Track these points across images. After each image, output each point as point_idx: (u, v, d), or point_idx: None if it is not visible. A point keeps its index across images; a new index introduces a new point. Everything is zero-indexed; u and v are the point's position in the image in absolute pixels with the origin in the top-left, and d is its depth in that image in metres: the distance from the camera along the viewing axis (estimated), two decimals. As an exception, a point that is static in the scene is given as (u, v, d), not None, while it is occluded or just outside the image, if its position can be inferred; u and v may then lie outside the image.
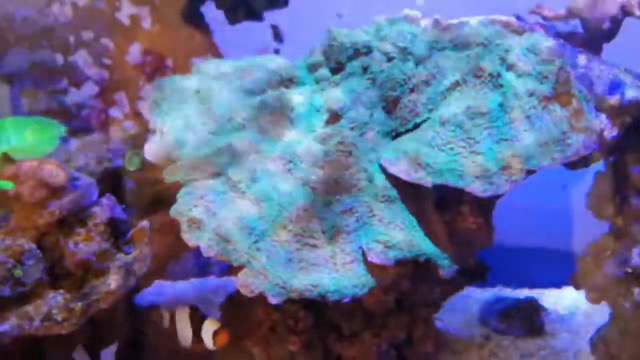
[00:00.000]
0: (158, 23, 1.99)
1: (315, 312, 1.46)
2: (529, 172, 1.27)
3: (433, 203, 1.39)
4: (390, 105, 1.40)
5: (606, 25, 1.52)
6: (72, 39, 1.95)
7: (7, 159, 1.32)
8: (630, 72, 1.51)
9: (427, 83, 1.38)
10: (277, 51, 2.15)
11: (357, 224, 1.28)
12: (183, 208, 1.31)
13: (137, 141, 1.72)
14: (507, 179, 1.24)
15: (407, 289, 1.45)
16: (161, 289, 1.91)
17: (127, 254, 1.39)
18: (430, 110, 1.36)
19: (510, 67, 1.33)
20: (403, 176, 1.29)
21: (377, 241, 1.26)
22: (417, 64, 1.43)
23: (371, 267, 1.26)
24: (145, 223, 1.45)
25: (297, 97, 1.48)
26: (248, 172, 1.34)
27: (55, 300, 1.25)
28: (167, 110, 1.50)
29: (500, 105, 1.30)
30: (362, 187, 1.30)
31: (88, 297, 1.29)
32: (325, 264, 1.24)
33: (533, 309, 1.91)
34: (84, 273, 1.32)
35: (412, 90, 1.39)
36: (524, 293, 2.13)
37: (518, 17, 1.50)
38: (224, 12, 2.10)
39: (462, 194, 1.35)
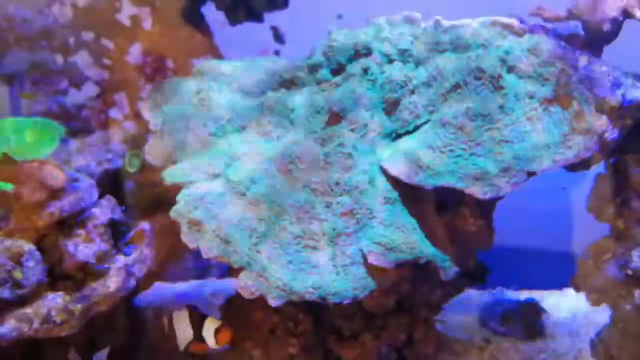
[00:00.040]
0: (158, 24, 1.98)
1: (315, 314, 1.46)
2: (530, 174, 1.27)
3: (433, 205, 1.39)
4: (390, 107, 1.40)
5: (607, 27, 1.51)
6: (72, 39, 1.95)
7: (7, 159, 1.32)
8: (630, 74, 1.51)
9: (427, 85, 1.37)
10: (277, 52, 2.15)
11: (357, 226, 1.27)
12: (183, 210, 1.31)
13: (137, 142, 1.72)
14: (507, 181, 1.24)
15: (408, 291, 1.45)
16: (161, 291, 1.91)
17: (126, 255, 1.39)
18: (431, 112, 1.36)
19: (510, 69, 1.33)
20: (403, 178, 1.28)
21: (378, 243, 1.26)
22: (417, 65, 1.43)
23: (372, 269, 1.26)
24: (145, 224, 1.45)
25: (297, 98, 1.48)
26: (248, 174, 1.33)
27: (54, 302, 1.25)
28: (167, 111, 1.50)
29: (501, 107, 1.29)
30: (363, 189, 1.29)
31: (88, 299, 1.29)
32: (326, 266, 1.24)
33: (533, 311, 1.91)
34: (84, 275, 1.32)
35: (412, 92, 1.39)
36: (524, 295, 2.12)
37: (519, 19, 1.50)
38: (224, 13, 2.10)
39: (462, 196, 1.35)
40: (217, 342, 1.37)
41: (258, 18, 2.12)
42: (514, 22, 1.45)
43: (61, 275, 1.31)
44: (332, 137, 1.37)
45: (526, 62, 1.32)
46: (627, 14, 1.51)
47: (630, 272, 1.49)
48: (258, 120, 1.45)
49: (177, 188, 1.37)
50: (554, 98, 1.30)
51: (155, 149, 1.46)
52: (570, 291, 2.06)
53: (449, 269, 1.32)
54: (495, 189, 1.24)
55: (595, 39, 1.55)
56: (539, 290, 2.18)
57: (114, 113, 1.94)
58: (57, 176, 1.31)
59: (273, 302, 1.22)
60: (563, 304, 2.06)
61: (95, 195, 1.39)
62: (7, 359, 1.30)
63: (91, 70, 1.95)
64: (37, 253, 1.27)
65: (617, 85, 1.43)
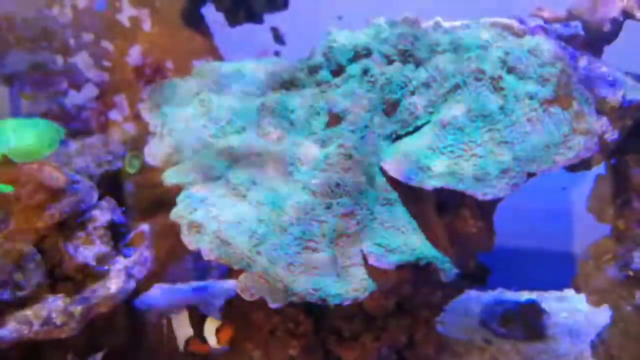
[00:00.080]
0: (158, 25, 1.98)
1: (316, 315, 1.46)
2: (530, 175, 1.27)
3: (434, 206, 1.39)
4: (390, 108, 1.40)
5: (607, 27, 1.51)
6: (72, 40, 1.94)
7: (7, 161, 1.32)
8: (631, 74, 1.51)
9: (427, 86, 1.37)
10: (277, 53, 2.15)
11: (357, 227, 1.27)
12: (183, 211, 1.31)
13: (137, 144, 1.72)
14: (507, 182, 1.24)
15: (408, 292, 1.45)
16: (161, 292, 1.91)
17: (127, 257, 1.39)
18: (431, 113, 1.36)
19: (511, 70, 1.33)
20: (403, 179, 1.28)
21: (378, 245, 1.25)
22: (417, 66, 1.43)
23: (372, 271, 1.26)
24: (145, 226, 1.45)
25: (297, 100, 1.48)
26: (248, 175, 1.33)
27: (54, 304, 1.25)
28: (167, 113, 1.50)
29: (501, 108, 1.29)
30: (363, 190, 1.29)
31: (88, 300, 1.29)
32: (326, 267, 1.24)
33: (534, 312, 1.91)
34: (84, 276, 1.32)
35: (412, 93, 1.39)
36: (524, 296, 2.12)
37: (519, 20, 1.50)
38: (224, 14, 2.10)
39: (462, 197, 1.35)
40: (218, 342, 1.37)
41: (258, 19, 2.12)
42: (514, 23, 1.45)
43: (61, 277, 1.31)
44: (332, 138, 1.37)
45: (526, 62, 1.32)
46: (627, 14, 1.51)
47: (631, 273, 1.49)
48: (258, 122, 1.44)
49: (177, 189, 1.36)
50: (554, 99, 1.29)
51: (155, 150, 1.46)
52: (570, 292, 2.06)
53: (450, 271, 1.32)
54: (496, 190, 1.24)
55: (595, 39, 1.55)
56: (540, 291, 2.18)
57: (114, 114, 1.94)
58: (57, 178, 1.31)
59: (273, 304, 1.22)
60: (563, 305, 2.06)
61: (95, 196, 1.39)
62: (7, 361, 1.30)
63: (91, 71, 1.95)
64: (37, 255, 1.27)
65: (617, 85, 1.43)
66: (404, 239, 1.27)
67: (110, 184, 1.66)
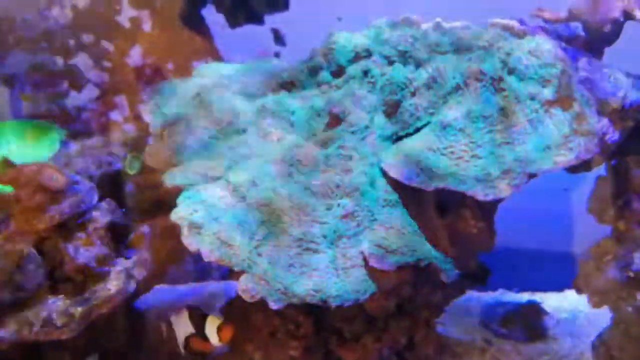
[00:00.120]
0: (158, 26, 1.99)
1: (316, 316, 1.46)
2: (531, 176, 1.27)
3: (434, 207, 1.39)
4: (391, 109, 1.40)
5: (608, 28, 1.51)
6: (72, 41, 1.95)
7: (7, 162, 1.32)
8: (631, 76, 1.51)
9: (428, 87, 1.37)
10: (277, 54, 2.15)
11: (358, 229, 1.27)
12: (184, 212, 1.31)
13: (138, 144, 1.72)
14: (509, 183, 1.24)
15: (409, 293, 1.45)
16: (161, 294, 1.91)
17: (127, 258, 1.39)
18: (432, 114, 1.35)
19: (511, 71, 1.32)
20: (404, 180, 1.28)
21: (379, 246, 1.25)
22: (417, 67, 1.43)
23: (372, 272, 1.25)
24: (145, 227, 1.45)
25: (297, 101, 1.47)
26: (249, 176, 1.33)
27: (55, 305, 1.25)
28: (167, 114, 1.50)
29: (502, 109, 1.29)
30: (363, 191, 1.29)
31: (88, 302, 1.29)
32: (327, 268, 1.24)
33: (535, 312, 1.91)
34: (84, 278, 1.32)
35: (413, 94, 1.38)
36: (525, 297, 2.12)
37: (519, 21, 1.50)
38: (224, 16, 2.10)
39: (463, 198, 1.35)
40: (220, 340, 1.37)
41: (258, 20, 2.12)
42: (515, 23, 1.45)
43: (61, 278, 1.31)
44: (332, 139, 1.36)
45: (527, 63, 1.32)
46: (627, 15, 1.51)
47: (631, 274, 1.48)
48: (258, 123, 1.44)
49: (178, 190, 1.36)
50: (555, 100, 1.29)
51: (156, 151, 1.46)
52: (571, 293, 2.06)
53: (450, 271, 1.32)
54: (497, 191, 1.24)
55: (596, 40, 1.55)
56: (540, 291, 2.18)
57: (114, 115, 1.94)
58: (57, 179, 1.31)
59: (274, 305, 1.22)
60: (564, 306, 2.05)
61: (96, 197, 1.39)
62: (7, 362, 1.30)
63: (91, 72, 1.96)
64: (37, 256, 1.27)
65: (618, 86, 1.42)
66: (404, 240, 1.27)
67: (111, 185, 1.66)
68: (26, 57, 1.92)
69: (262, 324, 1.45)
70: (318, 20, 2.08)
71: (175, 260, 1.71)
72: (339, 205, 1.27)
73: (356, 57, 1.47)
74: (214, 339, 1.37)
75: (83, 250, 1.31)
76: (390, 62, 1.45)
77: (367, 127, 1.38)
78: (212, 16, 2.08)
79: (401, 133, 1.38)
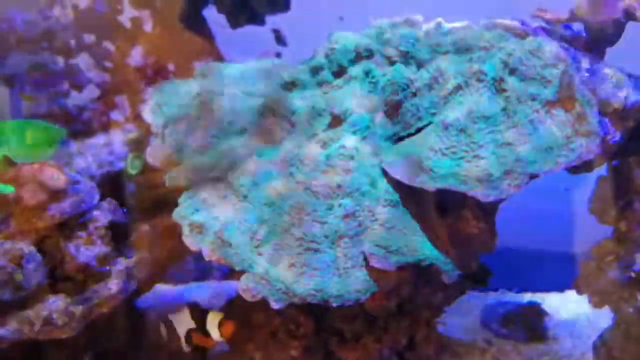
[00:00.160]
0: (159, 26, 1.98)
1: (317, 316, 1.46)
2: (532, 177, 1.27)
3: (435, 207, 1.39)
4: (392, 110, 1.40)
5: (609, 28, 1.51)
6: (73, 41, 1.94)
7: (8, 161, 1.32)
8: (633, 76, 1.51)
9: (429, 87, 1.37)
10: (278, 54, 2.15)
11: (359, 228, 1.27)
12: (185, 212, 1.31)
13: (139, 144, 1.72)
14: (510, 183, 1.24)
15: (409, 293, 1.45)
16: (162, 293, 1.91)
17: (128, 257, 1.39)
18: (433, 115, 1.35)
19: (513, 71, 1.32)
20: (405, 180, 1.28)
21: (379, 246, 1.25)
22: (419, 67, 1.43)
23: (373, 272, 1.25)
24: (146, 227, 1.45)
25: (299, 101, 1.47)
26: (249, 176, 1.33)
27: (55, 304, 1.25)
28: (168, 114, 1.50)
29: (503, 109, 1.29)
30: (364, 191, 1.29)
31: (89, 301, 1.29)
32: (328, 268, 1.24)
33: (535, 313, 1.91)
34: (85, 277, 1.32)
35: (414, 94, 1.38)
36: (526, 297, 2.12)
37: (521, 21, 1.50)
38: (225, 16, 2.10)
39: (464, 198, 1.35)
40: (221, 335, 1.37)
41: (259, 20, 2.12)
42: (516, 24, 1.45)
43: (62, 277, 1.31)
44: (333, 139, 1.36)
45: (528, 64, 1.32)
46: (629, 15, 1.50)
47: (633, 275, 1.48)
48: (259, 123, 1.44)
49: (179, 190, 1.36)
50: (557, 100, 1.29)
51: (157, 151, 1.46)
52: (572, 293, 2.06)
53: (451, 272, 1.32)
54: (498, 192, 1.23)
55: (597, 40, 1.55)
56: (541, 292, 2.18)
57: (115, 115, 1.94)
58: (58, 178, 1.31)
59: (275, 305, 1.22)
60: (565, 306, 2.05)
61: (97, 197, 1.39)
62: (7, 361, 1.30)
63: (92, 72, 1.95)
64: (38, 255, 1.27)
65: (619, 87, 1.42)
66: (405, 240, 1.27)
67: (112, 185, 1.66)
68: (27, 57, 1.92)
69: (263, 324, 1.45)
70: (319, 20, 2.07)
71: (176, 259, 1.71)
72: (340, 205, 1.27)
73: (357, 58, 1.47)
74: (215, 334, 1.37)
75: (84, 250, 1.31)
76: (392, 63, 1.45)
77: (368, 127, 1.38)
78: (213, 16, 2.08)
79: (402, 133, 1.38)
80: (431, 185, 1.26)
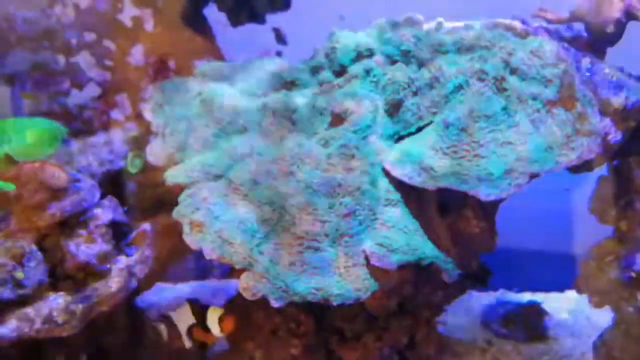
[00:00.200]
0: (160, 25, 1.98)
1: (317, 315, 1.46)
2: (533, 176, 1.27)
3: (436, 206, 1.39)
4: (393, 109, 1.40)
5: (610, 28, 1.51)
6: (74, 40, 1.94)
7: (9, 160, 1.32)
8: (634, 76, 1.51)
9: (430, 86, 1.37)
10: (279, 53, 2.15)
11: (359, 227, 1.27)
12: (185, 210, 1.31)
13: (139, 143, 1.72)
14: (510, 182, 1.24)
15: (410, 293, 1.45)
16: (162, 292, 1.91)
17: (128, 256, 1.39)
18: (434, 114, 1.35)
19: (514, 71, 1.32)
20: (406, 179, 1.28)
21: (380, 245, 1.25)
22: (420, 67, 1.43)
23: (374, 271, 1.25)
24: (146, 225, 1.45)
25: (299, 100, 1.47)
26: (250, 175, 1.33)
27: (56, 302, 1.25)
28: (169, 113, 1.50)
29: (504, 108, 1.29)
30: (365, 190, 1.29)
31: (89, 299, 1.29)
32: (328, 267, 1.24)
33: (535, 313, 1.91)
34: (85, 275, 1.32)
35: (415, 94, 1.38)
36: (526, 297, 2.12)
37: (521, 21, 1.50)
38: (226, 15, 2.10)
39: (465, 198, 1.35)
40: (221, 330, 1.38)
41: (260, 19, 2.12)
42: (517, 23, 1.45)
43: (62, 276, 1.31)
44: (334, 139, 1.36)
45: (529, 63, 1.32)
46: (630, 15, 1.50)
47: (633, 275, 1.48)
48: (260, 122, 1.44)
49: (179, 189, 1.36)
50: (557, 100, 1.29)
51: (157, 149, 1.46)
52: (572, 293, 2.06)
53: (452, 271, 1.32)
54: (499, 191, 1.24)
55: (598, 40, 1.55)
56: (541, 292, 2.18)
57: (116, 114, 1.94)
58: (58, 176, 1.31)
59: (275, 303, 1.22)
60: (565, 306, 2.05)
61: (97, 195, 1.39)
62: (7, 359, 1.30)
63: (93, 71, 1.95)
64: (39, 253, 1.27)
65: (620, 87, 1.42)
66: (406, 239, 1.27)
67: (112, 183, 1.66)
68: (27, 55, 1.92)
69: (263, 322, 1.45)
70: (320, 19, 2.08)
71: (177, 258, 1.71)
72: (340, 203, 1.27)
73: (358, 57, 1.47)
74: (215, 329, 1.37)
75: (84, 248, 1.31)
76: (393, 62, 1.45)
77: (369, 126, 1.38)
78: (214, 15, 2.08)
79: (403, 132, 1.38)
80: (432, 185, 1.26)
